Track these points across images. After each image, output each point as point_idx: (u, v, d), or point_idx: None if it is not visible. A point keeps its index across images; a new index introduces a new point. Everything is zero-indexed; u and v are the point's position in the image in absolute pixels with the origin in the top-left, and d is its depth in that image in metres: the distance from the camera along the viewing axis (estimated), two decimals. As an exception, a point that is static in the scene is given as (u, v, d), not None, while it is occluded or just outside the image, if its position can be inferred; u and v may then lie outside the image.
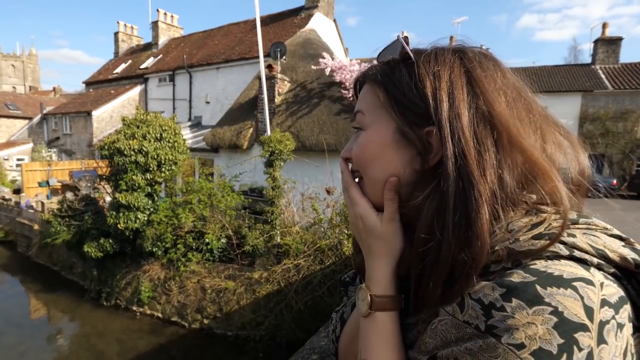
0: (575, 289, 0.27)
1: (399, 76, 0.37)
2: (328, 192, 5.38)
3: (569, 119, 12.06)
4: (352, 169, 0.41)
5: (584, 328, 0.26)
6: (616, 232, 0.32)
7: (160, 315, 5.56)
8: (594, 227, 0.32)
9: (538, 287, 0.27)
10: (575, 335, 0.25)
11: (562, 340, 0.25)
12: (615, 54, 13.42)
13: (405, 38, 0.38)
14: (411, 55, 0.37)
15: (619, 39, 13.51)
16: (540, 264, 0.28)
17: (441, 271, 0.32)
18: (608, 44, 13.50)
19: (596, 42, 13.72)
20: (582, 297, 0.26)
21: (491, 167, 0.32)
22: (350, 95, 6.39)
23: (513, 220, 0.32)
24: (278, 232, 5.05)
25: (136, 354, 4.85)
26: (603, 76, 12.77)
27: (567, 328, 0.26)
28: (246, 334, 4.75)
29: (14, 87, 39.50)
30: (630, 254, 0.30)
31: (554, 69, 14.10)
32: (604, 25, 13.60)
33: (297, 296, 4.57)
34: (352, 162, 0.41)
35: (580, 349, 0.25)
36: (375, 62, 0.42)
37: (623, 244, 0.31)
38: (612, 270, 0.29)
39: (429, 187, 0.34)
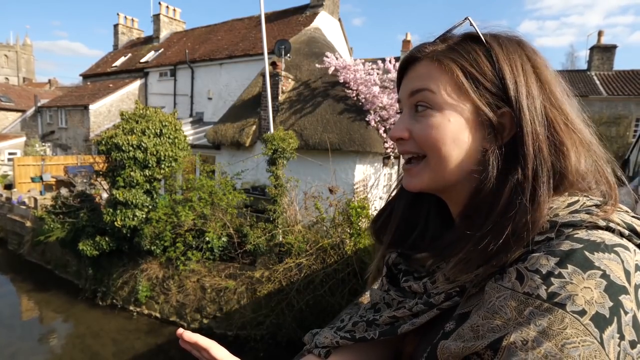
0: (617, 253, 0.29)
1: (476, 57, 0.38)
2: (331, 191, 5.34)
3: (566, 123, 12.29)
4: (406, 150, 0.41)
5: (625, 291, 0.28)
6: (634, 214, 0.36)
7: (158, 315, 5.44)
8: (619, 208, 0.35)
9: (587, 253, 0.29)
10: (620, 298, 0.27)
11: (611, 303, 0.27)
12: (610, 61, 13.72)
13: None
14: (484, 38, 0.38)
15: (614, 47, 13.82)
16: (582, 233, 0.31)
17: (511, 232, 0.33)
18: (603, 52, 13.79)
19: (592, 49, 14.02)
20: (622, 261, 0.29)
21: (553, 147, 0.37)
22: (354, 94, 6.37)
23: (551, 199, 0.35)
24: (280, 230, 4.99)
25: (133, 354, 4.73)
26: (598, 82, 13.05)
27: (614, 290, 0.28)
28: (246, 333, 4.69)
29: (6, 79, 38.40)
30: None
31: (551, 74, 14.37)
32: (600, 34, 13.90)
33: (299, 295, 4.53)
34: (417, 141, 0.40)
35: (625, 312, 0.27)
36: (437, 40, 0.41)
37: None
38: (639, 241, 0.32)
39: (495, 164, 0.36)
